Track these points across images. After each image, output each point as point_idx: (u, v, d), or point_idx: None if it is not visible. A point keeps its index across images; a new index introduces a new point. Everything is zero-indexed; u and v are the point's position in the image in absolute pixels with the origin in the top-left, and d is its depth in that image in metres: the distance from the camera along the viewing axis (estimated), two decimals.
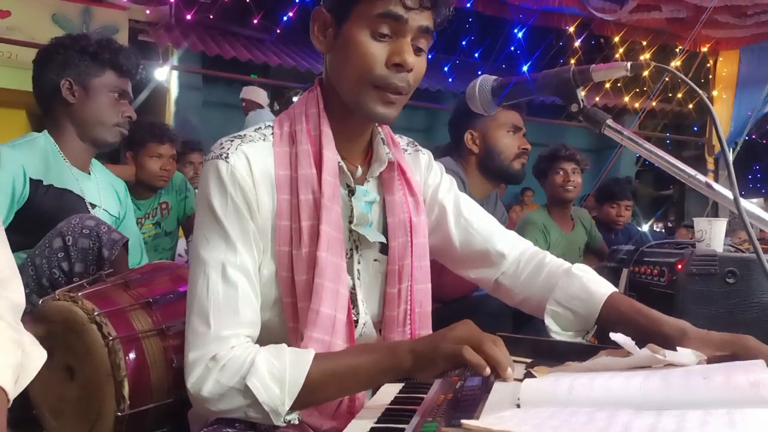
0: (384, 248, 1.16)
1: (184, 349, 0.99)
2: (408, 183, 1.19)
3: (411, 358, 0.94)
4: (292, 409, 0.95)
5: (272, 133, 1.09)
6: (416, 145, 1.32)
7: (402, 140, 1.27)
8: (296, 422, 0.98)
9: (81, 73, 1.80)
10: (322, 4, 1.10)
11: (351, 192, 1.12)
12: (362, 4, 1.02)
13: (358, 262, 1.14)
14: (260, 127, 1.11)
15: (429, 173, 1.30)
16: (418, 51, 1.06)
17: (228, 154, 1.03)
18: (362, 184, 1.14)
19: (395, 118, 1.08)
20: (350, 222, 1.12)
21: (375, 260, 1.16)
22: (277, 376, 0.93)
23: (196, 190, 3.35)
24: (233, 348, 0.96)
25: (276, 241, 1.05)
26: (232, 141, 1.06)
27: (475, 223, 1.29)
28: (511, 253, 1.30)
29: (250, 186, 1.03)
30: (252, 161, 1.04)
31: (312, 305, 1.02)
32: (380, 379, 1.00)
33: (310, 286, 1.03)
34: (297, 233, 1.04)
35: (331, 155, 1.07)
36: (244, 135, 1.08)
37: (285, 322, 1.07)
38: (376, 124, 1.16)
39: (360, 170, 1.14)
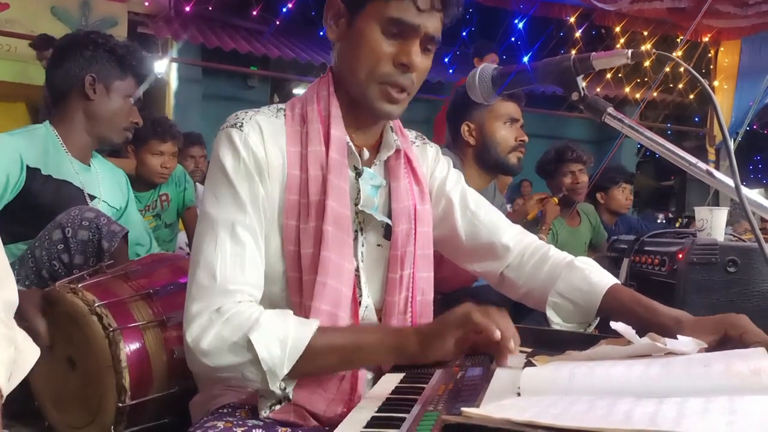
0: (387, 234, 1.16)
1: (185, 302, 0.98)
2: (414, 172, 1.21)
3: (417, 339, 0.96)
4: (290, 376, 0.95)
5: (284, 114, 1.12)
6: (424, 139, 1.33)
7: (411, 133, 1.29)
8: (290, 397, 0.98)
9: (106, 73, 1.83)
10: None
11: (358, 174, 1.14)
12: (377, 2, 1.04)
13: (362, 245, 1.15)
14: (273, 108, 1.13)
15: (436, 165, 1.31)
16: (426, 51, 1.08)
17: (242, 123, 1.06)
18: (369, 167, 1.16)
19: (399, 115, 1.12)
20: (356, 204, 1.13)
21: (378, 245, 1.17)
22: (281, 336, 0.94)
23: (196, 184, 3.37)
24: (240, 303, 0.97)
25: (284, 214, 1.07)
26: (246, 112, 1.09)
27: (481, 215, 1.30)
28: (516, 246, 1.30)
29: (262, 154, 1.05)
30: (265, 132, 1.07)
31: (318, 278, 1.03)
32: (382, 358, 1.01)
33: (315, 259, 1.04)
34: (305, 207, 1.06)
35: (338, 134, 1.09)
36: (259, 110, 1.11)
37: (289, 297, 1.07)
38: None
39: (367, 153, 1.16)
